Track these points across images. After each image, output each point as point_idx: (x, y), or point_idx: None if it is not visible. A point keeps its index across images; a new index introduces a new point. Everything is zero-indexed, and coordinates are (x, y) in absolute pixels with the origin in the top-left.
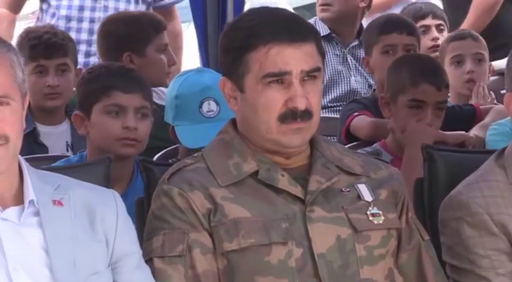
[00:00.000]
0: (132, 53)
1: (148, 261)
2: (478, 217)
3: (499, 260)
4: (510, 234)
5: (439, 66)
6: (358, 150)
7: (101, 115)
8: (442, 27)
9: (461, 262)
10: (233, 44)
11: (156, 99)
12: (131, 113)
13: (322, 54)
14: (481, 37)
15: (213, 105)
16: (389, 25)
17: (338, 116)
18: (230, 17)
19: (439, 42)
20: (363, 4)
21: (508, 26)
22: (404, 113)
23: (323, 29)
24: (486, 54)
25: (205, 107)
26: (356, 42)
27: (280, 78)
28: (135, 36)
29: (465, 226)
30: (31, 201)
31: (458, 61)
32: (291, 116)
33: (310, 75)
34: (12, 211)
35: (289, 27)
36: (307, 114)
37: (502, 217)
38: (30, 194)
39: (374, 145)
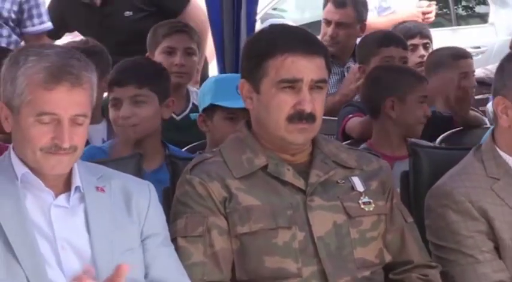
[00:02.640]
0: None
1: (173, 240)
2: (462, 205)
3: (481, 239)
4: (489, 218)
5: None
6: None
7: (110, 109)
8: (427, 45)
9: (447, 242)
10: (254, 51)
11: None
12: (125, 103)
13: (329, 69)
14: None
15: None
16: (388, 39)
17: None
18: (243, 32)
19: (425, 58)
20: (361, 33)
21: None
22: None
23: None
24: None
25: None
26: (351, 61)
27: (292, 84)
28: None
29: (450, 212)
30: (77, 187)
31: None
32: (297, 117)
33: (317, 85)
34: (62, 197)
35: (304, 41)
36: (311, 117)
37: (481, 204)
38: (77, 181)
39: (362, 145)
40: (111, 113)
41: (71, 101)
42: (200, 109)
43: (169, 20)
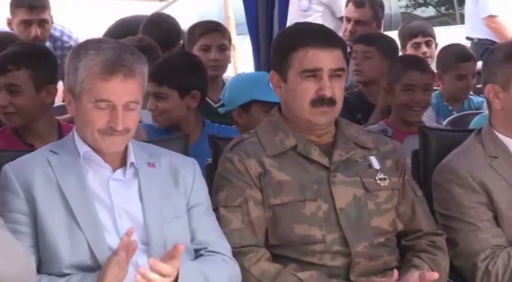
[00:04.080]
0: None
1: (215, 209)
2: (464, 180)
3: (481, 210)
4: (488, 191)
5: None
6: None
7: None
8: (430, 43)
9: (452, 212)
10: (281, 47)
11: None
12: (151, 98)
13: (347, 59)
14: None
15: None
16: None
17: None
18: (276, 32)
19: (427, 54)
20: (377, 29)
21: None
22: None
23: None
24: None
25: None
26: None
27: (314, 73)
28: None
29: (455, 186)
30: (132, 163)
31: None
32: (319, 101)
33: (336, 73)
34: (119, 172)
35: (323, 36)
36: (331, 101)
37: (482, 179)
38: (131, 158)
39: (380, 122)
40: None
41: (124, 90)
42: (236, 104)
43: (204, 20)
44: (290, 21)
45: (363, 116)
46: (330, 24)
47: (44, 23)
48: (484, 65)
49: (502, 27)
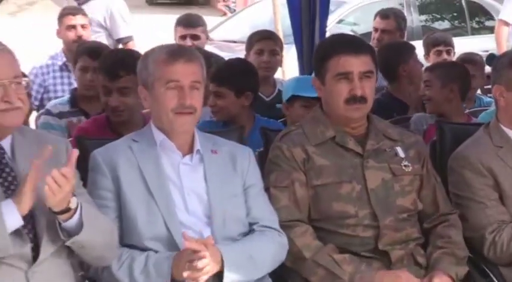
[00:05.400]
0: None
1: (266, 190)
2: (475, 165)
3: (489, 191)
4: (494, 175)
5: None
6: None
7: None
8: (450, 51)
9: (464, 193)
10: (319, 55)
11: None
12: (211, 96)
13: (376, 63)
14: None
15: None
16: None
17: None
18: (317, 41)
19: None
20: (400, 38)
21: None
22: None
23: None
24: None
25: None
26: None
27: (346, 76)
28: None
29: (466, 171)
30: (198, 150)
31: None
32: (352, 99)
33: (366, 75)
34: (187, 157)
35: (353, 45)
36: (363, 99)
37: (489, 165)
38: (197, 145)
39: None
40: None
41: (188, 71)
42: (284, 100)
43: (262, 29)
44: None
45: (398, 114)
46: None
47: (84, 27)
48: (492, 69)
49: (501, 38)
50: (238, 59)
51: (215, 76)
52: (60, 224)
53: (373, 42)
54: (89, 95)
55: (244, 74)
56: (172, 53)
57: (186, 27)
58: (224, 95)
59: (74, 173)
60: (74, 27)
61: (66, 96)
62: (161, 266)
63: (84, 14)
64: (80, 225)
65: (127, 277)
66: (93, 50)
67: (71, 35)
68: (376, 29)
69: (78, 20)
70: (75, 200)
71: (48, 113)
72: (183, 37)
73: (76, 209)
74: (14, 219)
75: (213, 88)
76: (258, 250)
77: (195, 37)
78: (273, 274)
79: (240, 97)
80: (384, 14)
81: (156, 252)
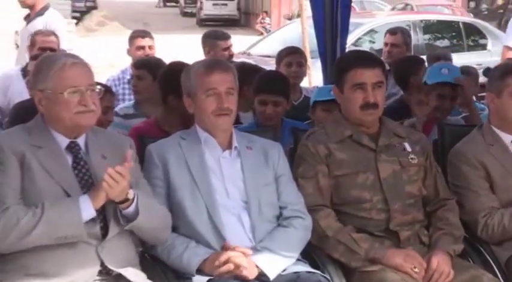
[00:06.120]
0: None
1: (295, 180)
2: (470, 160)
3: (482, 181)
4: (486, 169)
5: None
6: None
7: (259, 105)
8: None
9: (461, 183)
10: (339, 68)
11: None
12: (269, 104)
13: (385, 74)
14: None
15: None
16: None
17: None
18: (338, 55)
19: None
20: (407, 52)
21: None
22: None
23: None
24: None
25: None
26: None
27: (361, 86)
28: None
29: (463, 165)
30: (235, 147)
31: None
32: (366, 106)
33: (377, 85)
34: (227, 152)
35: (366, 59)
36: (375, 105)
37: (482, 159)
38: (235, 142)
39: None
40: (260, 108)
41: (224, 80)
42: (310, 105)
43: (289, 46)
44: None
45: (404, 118)
46: None
47: (151, 48)
48: (488, 79)
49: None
50: (280, 73)
51: (271, 88)
52: (120, 211)
53: (384, 55)
54: (143, 99)
55: (289, 85)
56: (209, 66)
57: (143, 37)
58: (281, 103)
59: (129, 170)
60: (143, 47)
61: (132, 101)
62: (192, 260)
63: (151, 37)
64: (136, 213)
65: (166, 259)
66: (138, 62)
67: (140, 53)
68: (386, 44)
69: (146, 42)
70: (132, 191)
71: (116, 114)
72: (225, 49)
73: (133, 199)
74: (89, 212)
75: (272, 98)
76: (285, 244)
77: (226, 49)
78: (301, 251)
79: (288, 104)
80: (392, 31)
81: (198, 236)
